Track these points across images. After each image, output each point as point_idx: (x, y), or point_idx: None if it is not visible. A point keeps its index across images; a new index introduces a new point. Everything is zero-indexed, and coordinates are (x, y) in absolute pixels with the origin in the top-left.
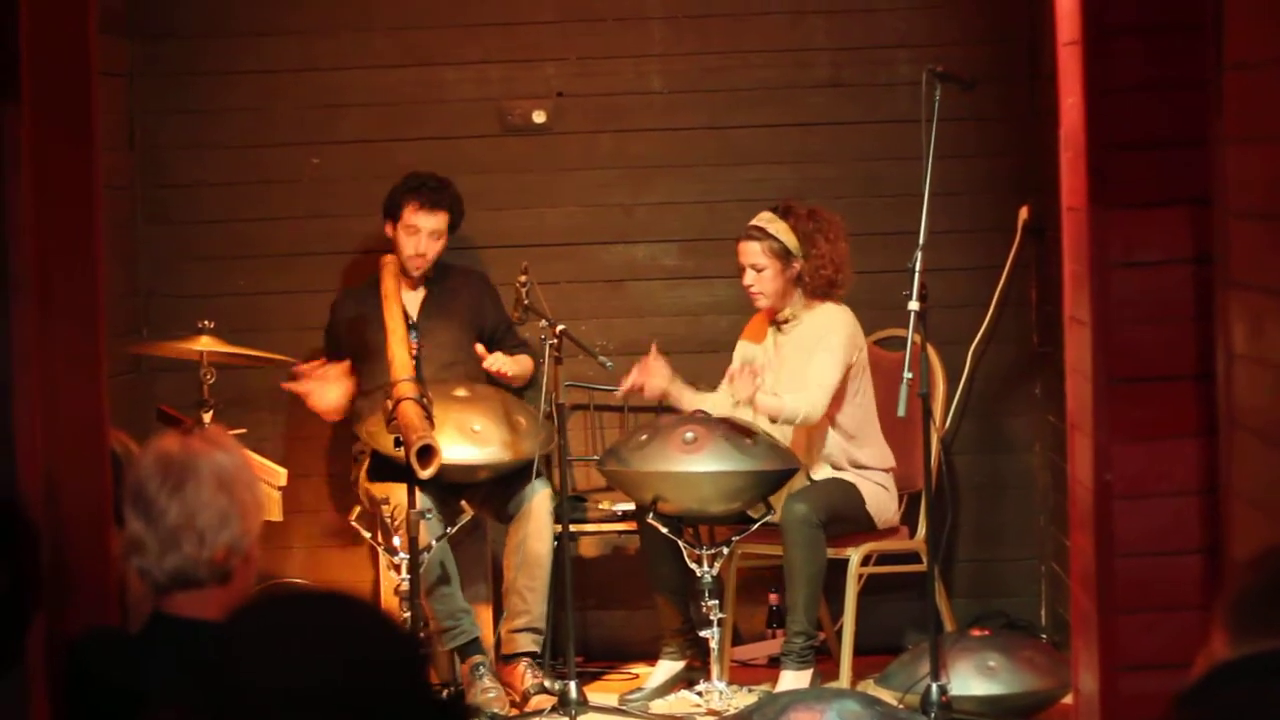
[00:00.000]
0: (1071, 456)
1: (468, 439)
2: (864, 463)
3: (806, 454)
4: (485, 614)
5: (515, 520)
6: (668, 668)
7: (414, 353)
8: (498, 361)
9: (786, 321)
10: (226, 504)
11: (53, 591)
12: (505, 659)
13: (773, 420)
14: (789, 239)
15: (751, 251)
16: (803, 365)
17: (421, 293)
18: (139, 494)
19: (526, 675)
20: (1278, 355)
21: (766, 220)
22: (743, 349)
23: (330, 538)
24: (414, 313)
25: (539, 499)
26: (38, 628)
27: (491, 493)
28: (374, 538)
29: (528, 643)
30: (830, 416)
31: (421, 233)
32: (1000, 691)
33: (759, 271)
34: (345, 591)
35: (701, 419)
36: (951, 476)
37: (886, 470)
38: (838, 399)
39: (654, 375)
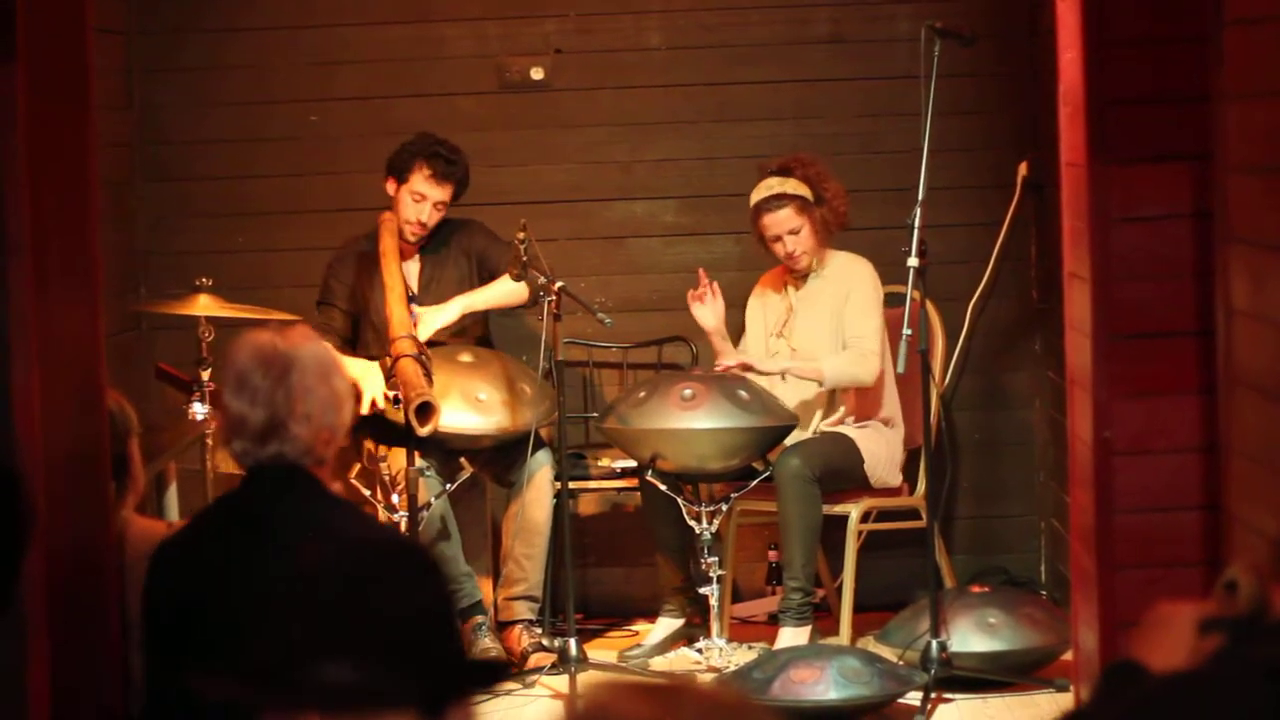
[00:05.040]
0: (1071, 413)
1: (472, 407)
2: (888, 418)
3: (826, 406)
4: (485, 586)
5: (515, 489)
6: (667, 625)
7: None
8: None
9: (807, 274)
10: (328, 392)
11: (51, 548)
12: (502, 625)
13: (820, 385)
14: (804, 190)
15: (783, 219)
16: (821, 317)
17: (417, 264)
18: (242, 382)
19: (524, 637)
20: (1278, 311)
21: (776, 185)
22: (756, 304)
23: None
24: (414, 285)
25: (542, 471)
26: (37, 582)
27: (493, 457)
28: (373, 495)
29: (524, 610)
30: None
31: (427, 202)
32: (1000, 648)
33: (796, 234)
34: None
35: (699, 375)
36: (951, 433)
37: (896, 429)
38: None
39: (710, 307)
